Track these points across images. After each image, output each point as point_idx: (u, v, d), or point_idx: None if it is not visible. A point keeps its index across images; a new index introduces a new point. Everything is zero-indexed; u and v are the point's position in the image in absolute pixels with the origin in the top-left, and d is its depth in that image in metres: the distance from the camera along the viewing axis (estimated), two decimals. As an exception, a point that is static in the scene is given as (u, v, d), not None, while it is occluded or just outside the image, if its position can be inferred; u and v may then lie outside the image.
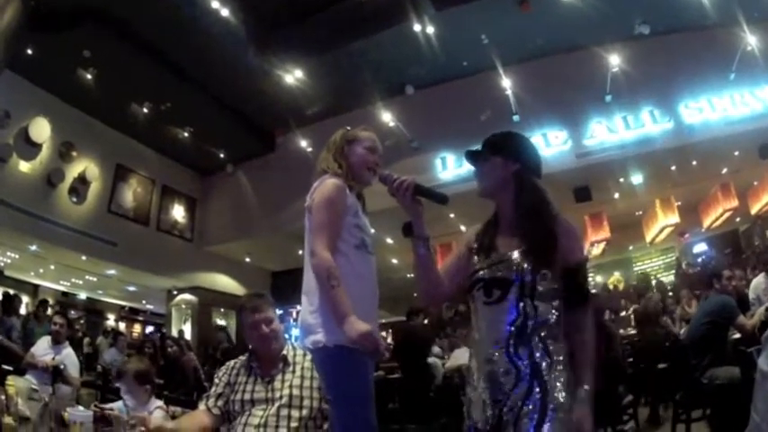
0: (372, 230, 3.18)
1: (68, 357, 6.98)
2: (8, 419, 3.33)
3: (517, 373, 2.24)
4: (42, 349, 6.98)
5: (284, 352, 3.43)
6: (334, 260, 2.81)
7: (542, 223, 2.42)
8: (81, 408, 3.81)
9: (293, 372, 3.35)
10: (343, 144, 3.19)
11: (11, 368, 6.63)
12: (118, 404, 4.23)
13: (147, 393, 4.17)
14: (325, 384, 2.96)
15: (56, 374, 6.59)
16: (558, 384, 2.23)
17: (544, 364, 2.25)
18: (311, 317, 2.87)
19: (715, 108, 12.40)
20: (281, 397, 3.24)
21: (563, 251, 2.39)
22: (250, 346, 3.53)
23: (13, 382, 3.79)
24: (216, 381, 3.49)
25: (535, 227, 2.41)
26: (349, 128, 3.30)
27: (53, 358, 6.77)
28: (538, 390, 2.21)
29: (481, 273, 2.46)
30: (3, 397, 3.46)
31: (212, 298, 18.58)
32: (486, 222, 2.65)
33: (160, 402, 4.23)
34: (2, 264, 16.30)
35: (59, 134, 14.10)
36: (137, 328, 23.94)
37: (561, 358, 2.29)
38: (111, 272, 17.53)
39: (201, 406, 3.40)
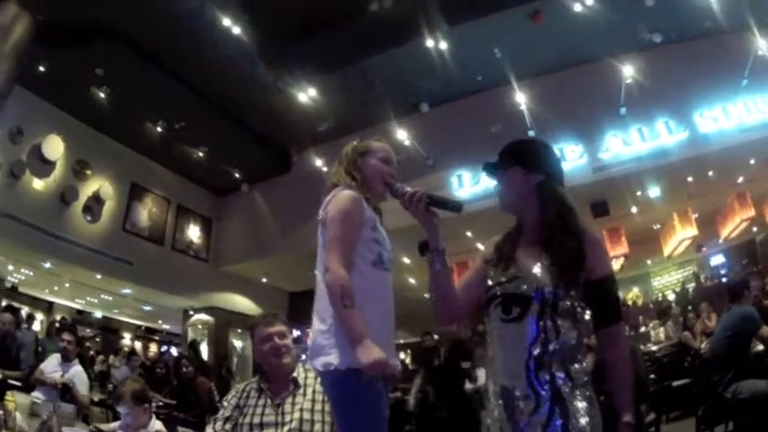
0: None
1: (77, 375, 6.97)
2: (5, 434, 3.32)
3: (537, 397, 2.13)
4: (51, 366, 6.98)
5: (295, 374, 3.35)
6: (349, 277, 2.63)
7: (569, 237, 2.30)
8: (80, 426, 3.81)
9: (304, 395, 3.28)
10: (355, 157, 3.01)
11: (19, 384, 6.66)
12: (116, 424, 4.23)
13: (146, 413, 4.17)
14: (334, 409, 2.78)
15: (64, 392, 6.58)
16: (580, 409, 2.10)
17: (565, 388, 2.13)
18: (322, 337, 2.68)
19: (729, 116, 12.20)
20: (290, 421, 3.17)
21: (589, 266, 2.27)
22: (263, 367, 3.46)
23: (13, 398, 3.78)
24: (224, 404, 3.43)
25: (562, 241, 2.29)
26: (359, 140, 3.15)
27: (62, 375, 6.77)
28: (559, 415, 2.09)
29: (498, 288, 2.34)
30: (1, 412, 3.44)
31: (229, 318, 18.43)
32: (507, 234, 2.54)
33: (160, 425, 4.21)
34: (15, 280, 16.35)
35: (73, 152, 14.15)
36: (153, 347, 23.92)
37: (583, 381, 2.17)
38: (127, 291, 17.51)
39: (209, 430, 3.33)
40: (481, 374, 8.42)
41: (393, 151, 3.12)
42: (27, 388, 6.48)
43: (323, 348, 2.66)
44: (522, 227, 2.50)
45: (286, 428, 3.14)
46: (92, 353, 14.73)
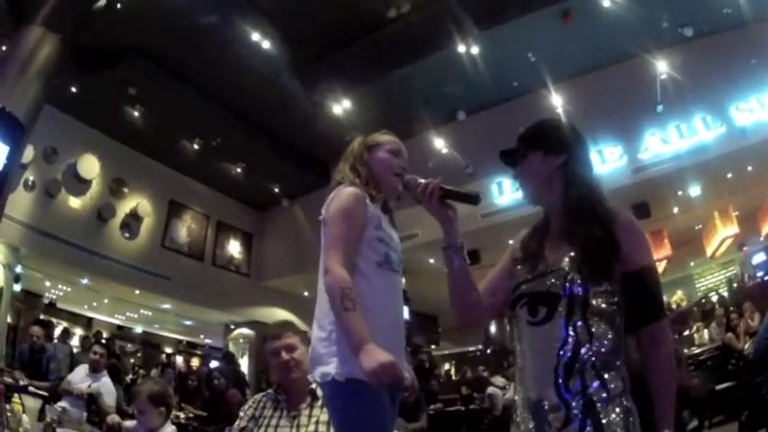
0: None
1: (105, 386, 7.05)
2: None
3: (567, 409, 1.91)
4: (79, 377, 7.09)
5: (313, 386, 3.20)
6: (351, 279, 2.41)
7: (596, 223, 2.06)
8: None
9: (321, 407, 3.14)
10: (362, 151, 2.86)
11: (46, 394, 6.76)
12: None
13: (161, 416, 4.06)
14: (333, 424, 2.55)
15: (90, 402, 6.67)
16: (615, 420, 1.88)
17: (599, 398, 1.90)
18: (321, 345, 2.48)
19: (765, 107, 11.79)
20: None
21: (624, 255, 2.03)
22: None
23: (20, 401, 3.81)
24: (241, 414, 3.36)
25: (588, 228, 2.06)
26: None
27: (89, 386, 6.86)
28: (591, 429, 1.87)
29: (524, 286, 2.13)
30: (9, 414, 3.46)
31: (270, 332, 18.44)
32: (533, 227, 2.33)
33: (173, 430, 4.16)
34: (53, 296, 16.63)
35: (109, 171, 14.45)
36: (195, 362, 24.03)
37: (620, 389, 1.94)
38: (166, 306, 17.73)
39: None
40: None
41: (402, 143, 3.00)
42: (52, 397, 6.62)
43: (321, 357, 2.47)
44: (548, 218, 2.29)
45: None
46: (133, 367, 14.82)
